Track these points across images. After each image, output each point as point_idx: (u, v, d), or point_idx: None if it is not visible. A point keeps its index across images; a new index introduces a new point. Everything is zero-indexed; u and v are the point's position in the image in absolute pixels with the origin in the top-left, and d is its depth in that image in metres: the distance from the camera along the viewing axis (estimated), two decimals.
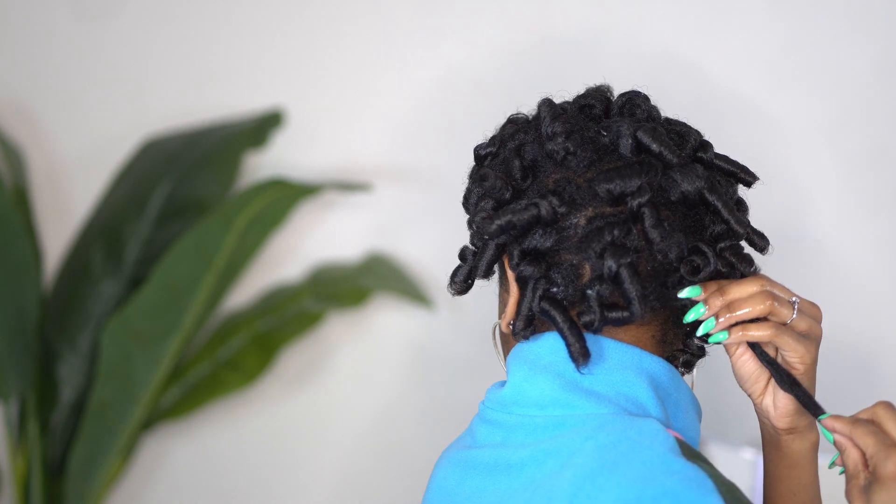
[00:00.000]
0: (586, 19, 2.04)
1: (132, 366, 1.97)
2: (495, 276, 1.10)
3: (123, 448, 2.02)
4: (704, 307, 1.03)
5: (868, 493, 0.97)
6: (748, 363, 1.07)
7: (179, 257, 1.96)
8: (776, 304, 1.03)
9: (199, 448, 2.28)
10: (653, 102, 1.10)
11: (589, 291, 1.01)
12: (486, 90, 2.08)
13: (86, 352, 2.10)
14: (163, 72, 2.25)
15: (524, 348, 1.06)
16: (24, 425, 2.08)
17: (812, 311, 1.06)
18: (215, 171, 2.13)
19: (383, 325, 2.20)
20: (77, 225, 2.23)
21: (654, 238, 1.01)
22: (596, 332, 1.03)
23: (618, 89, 1.12)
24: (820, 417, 1.03)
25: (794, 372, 1.05)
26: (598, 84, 1.12)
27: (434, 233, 2.15)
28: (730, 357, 1.08)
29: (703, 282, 1.03)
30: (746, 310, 1.02)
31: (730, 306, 1.03)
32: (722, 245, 1.05)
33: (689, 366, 1.10)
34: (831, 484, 1.16)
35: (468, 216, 1.10)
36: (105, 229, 2.11)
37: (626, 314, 1.01)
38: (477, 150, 1.12)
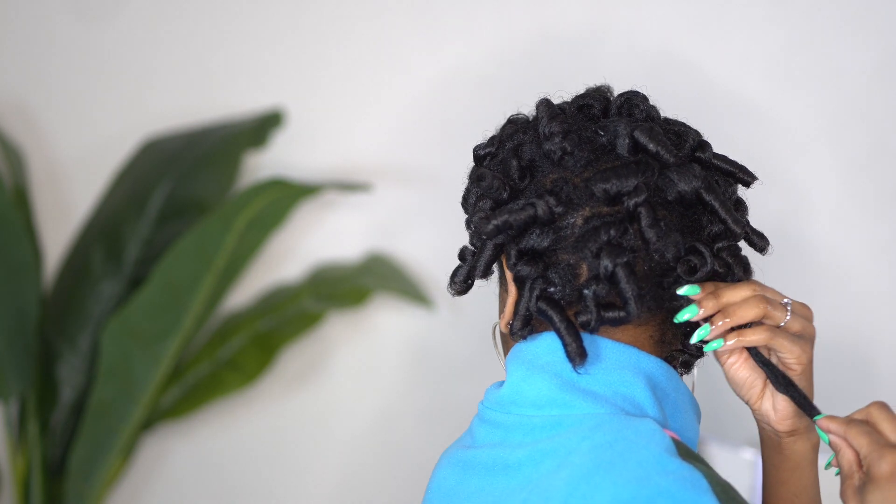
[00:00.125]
0: (586, 19, 2.04)
1: (132, 366, 1.97)
2: (495, 276, 1.10)
3: (123, 448, 2.02)
4: (699, 308, 1.03)
5: (862, 493, 0.97)
6: (741, 369, 1.07)
7: (179, 257, 1.96)
8: (769, 307, 1.03)
9: (199, 448, 2.28)
10: (652, 102, 1.10)
11: (586, 291, 1.01)
12: (486, 90, 2.08)
13: (86, 352, 2.10)
14: (163, 72, 2.25)
15: (522, 348, 1.06)
16: (24, 425, 2.08)
17: (804, 312, 1.06)
18: (215, 171, 2.13)
19: (383, 325, 2.20)
20: (77, 225, 2.23)
21: (650, 238, 1.01)
22: (593, 331, 1.03)
23: (617, 89, 1.12)
24: (815, 418, 1.03)
25: (791, 373, 1.05)
26: (598, 84, 1.12)
27: (434, 233, 2.15)
28: (721, 365, 1.07)
29: (700, 281, 1.03)
30: (740, 315, 1.03)
31: (724, 311, 1.03)
32: (720, 245, 1.05)
33: (687, 366, 1.10)
34: (830, 482, 1.16)
35: (467, 216, 1.10)
36: (105, 229, 2.11)
37: (622, 314, 1.01)
38: (476, 150, 1.12)
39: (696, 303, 1.03)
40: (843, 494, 1.01)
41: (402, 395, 2.20)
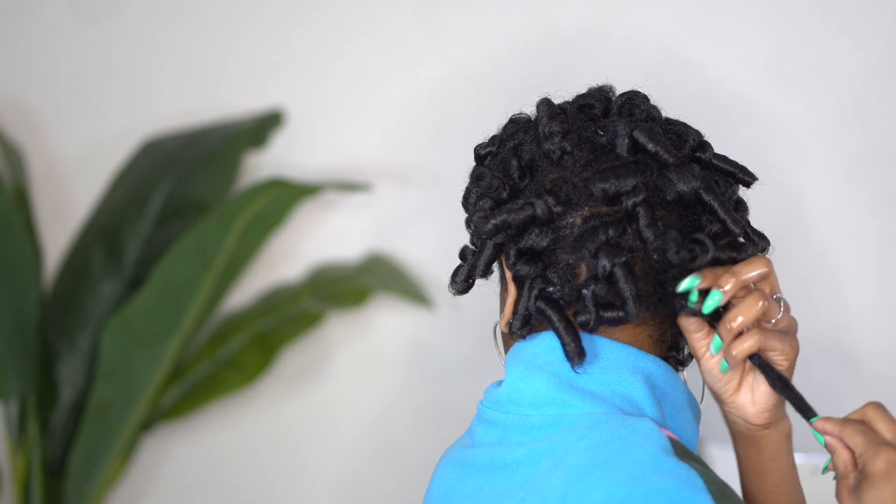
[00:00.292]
0: (586, 19, 2.04)
1: (132, 366, 1.97)
2: (497, 276, 1.10)
3: (123, 448, 2.02)
4: (718, 293, 1.01)
5: (858, 493, 0.97)
6: (720, 363, 1.06)
7: (179, 257, 1.96)
8: (767, 303, 1.03)
9: (199, 448, 2.27)
10: (653, 102, 1.11)
11: (584, 291, 1.02)
12: (487, 90, 2.08)
13: (86, 352, 2.10)
14: (163, 72, 2.25)
15: (521, 348, 1.07)
16: (24, 425, 2.08)
17: (786, 305, 1.06)
18: (215, 171, 2.13)
19: (383, 325, 2.20)
20: (77, 225, 2.23)
21: (648, 237, 1.01)
22: (592, 331, 1.03)
23: (618, 89, 1.13)
24: (811, 420, 1.03)
25: (779, 368, 1.05)
26: (600, 84, 1.12)
27: (434, 233, 2.15)
28: (699, 359, 1.06)
29: (700, 269, 1.02)
30: (740, 319, 1.02)
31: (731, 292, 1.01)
32: (720, 243, 1.05)
33: (682, 365, 1.10)
34: (828, 483, 1.16)
35: (467, 216, 1.10)
36: (105, 229, 2.11)
37: (621, 314, 1.01)
38: (477, 149, 1.12)
39: (710, 287, 1.01)
40: (838, 494, 1.01)
41: (401, 394, 2.20)
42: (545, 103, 1.09)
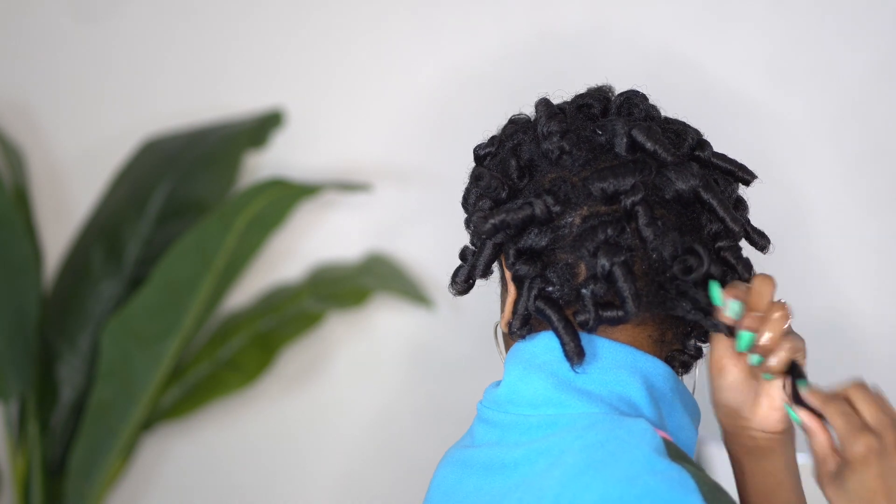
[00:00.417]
0: (586, 19, 2.04)
1: (132, 366, 1.97)
2: (498, 276, 1.10)
3: (123, 448, 2.02)
4: (737, 304, 1.01)
5: (840, 478, 0.97)
6: (732, 371, 1.06)
7: (179, 257, 1.96)
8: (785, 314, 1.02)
9: (199, 448, 2.27)
10: (653, 102, 1.10)
11: (584, 291, 1.01)
12: (487, 90, 2.08)
13: (86, 352, 2.10)
14: (163, 72, 2.25)
15: (520, 347, 1.06)
16: (24, 425, 2.08)
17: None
18: (215, 171, 2.13)
19: (383, 325, 2.20)
20: (77, 225, 2.23)
21: (647, 236, 1.00)
22: (591, 331, 1.03)
23: (618, 89, 1.12)
24: (800, 383, 1.02)
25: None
26: (599, 84, 1.12)
27: (434, 233, 2.15)
28: (720, 372, 1.05)
29: (696, 281, 1.02)
30: (768, 336, 1.01)
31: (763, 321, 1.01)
32: (721, 244, 1.04)
33: (686, 367, 1.09)
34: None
35: (466, 216, 1.10)
36: (105, 229, 2.11)
37: (620, 313, 1.01)
38: (476, 150, 1.12)
39: (726, 301, 1.01)
40: (819, 479, 1.00)
41: (401, 394, 2.20)
42: (543, 103, 1.09)
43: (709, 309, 1.02)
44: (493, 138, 1.12)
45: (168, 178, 2.11)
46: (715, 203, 1.03)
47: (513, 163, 1.06)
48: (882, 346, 1.95)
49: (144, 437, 2.17)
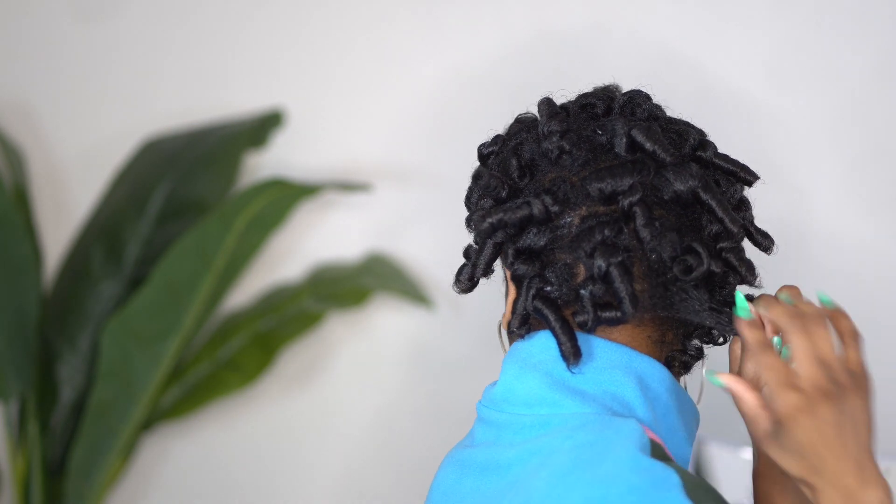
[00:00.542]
0: (588, 18, 2.04)
1: (132, 366, 1.97)
2: (503, 276, 1.10)
3: (123, 448, 2.02)
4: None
5: (776, 437, 0.95)
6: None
7: (179, 257, 1.96)
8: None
9: (199, 448, 2.28)
10: (656, 101, 1.10)
11: (582, 291, 1.01)
12: (487, 90, 2.08)
13: (86, 352, 2.10)
14: (163, 72, 2.25)
15: (518, 347, 1.06)
16: (24, 425, 2.08)
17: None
18: (215, 171, 2.13)
19: (383, 325, 2.20)
20: (77, 225, 2.23)
21: (644, 237, 1.00)
22: (590, 331, 1.03)
23: (623, 89, 1.12)
24: (743, 305, 1.01)
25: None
26: (606, 84, 1.12)
27: (434, 233, 2.15)
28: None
29: (697, 281, 1.02)
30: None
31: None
32: (723, 245, 1.04)
33: (687, 367, 1.09)
34: None
35: (468, 215, 1.10)
36: (105, 229, 2.11)
37: (618, 314, 1.01)
38: (481, 148, 1.12)
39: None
40: (755, 441, 0.99)
41: (402, 394, 2.20)
42: (545, 102, 1.09)
43: (715, 308, 1.02)
44: (496, 137, 1.12)
45: (168, 178, 2.11)
46: (714, 204, 1.03)
47: (514, 162, 1.06)
48: (882, 346, 1.95)
49: (144, 437, 2.17)
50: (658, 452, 0.97)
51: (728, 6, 1.98)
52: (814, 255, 1.96)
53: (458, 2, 2.10)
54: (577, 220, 1.02)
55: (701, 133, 1.08)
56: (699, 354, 1.08)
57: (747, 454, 1.77)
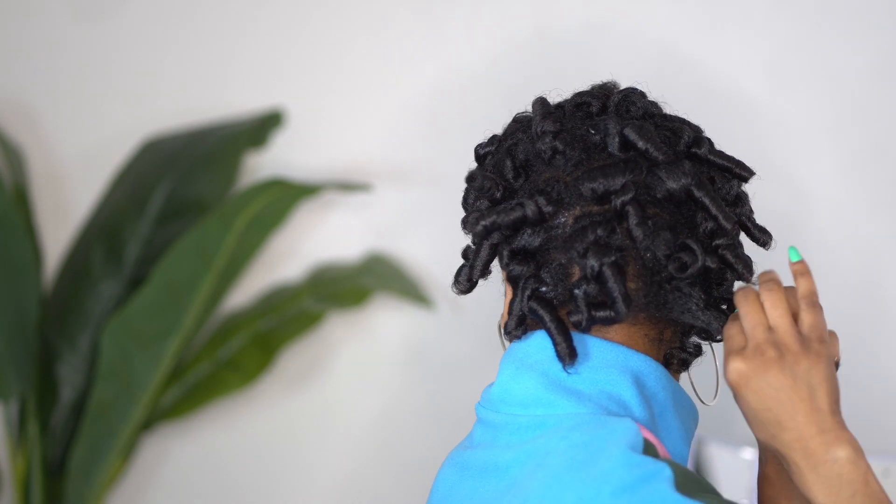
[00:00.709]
0: (587, 18, 2.04)
1: (132, 366, 1.97)
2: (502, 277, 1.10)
3: (123, 448, 2.02)
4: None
5: (739, 407, 1.00)
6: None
7: (179, 257, 1.96)
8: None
9: (199, 448, 2.28)
10: (653, 99, 1.10)
11: (576, 291, 1.01)
12: (487, 90, 2.08)
13: (86, 352, 2.10)
14: (163, 72, 2.25)
15: (514, 347, 1.06)
16: (24, 425, 2.08)
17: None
18: (215, 171, 2.13)
19: (383, 325, 2.20)
20: (77, 225, 2.23)
21: (637, 236, 1.00)
22: (585, 331, 1.02)
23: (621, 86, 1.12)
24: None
25: None
26: (604, 81, 1.12)
27: (434, 233, 2.15)
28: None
29: (692, 279, 1.02)
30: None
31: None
32: (719, 242, 1.04)
33: (686, 364, 1.09)
34: None
35: (463, 216, 1.10)
36: (105, 229, 2.11)
37: (612, 313, 1.01)
38: (477, 149, 1.12)
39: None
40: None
41: (401, 394, 2.20)
42: (539, 102, 1.08)
43: (711, 307, 1.03)
44: (493, 137, 1.12)
45: (168, 178, 2.11)
46: (707, 201, 1.02)
47: (508, 163, 1.06)
48: (882, 346, 1.95)
49: (144, 437, 2.17)
50: (651, 452, 0.97)
51: (728, 6, 1.98)
52: (813, 254, 1.96)
53: (457, 2, 2.10)
54: (570, 221, 1.02)
55: (697, 129, 1.08)
56: (698, 352, 1.08)
57: (747, 454, 1.77)
